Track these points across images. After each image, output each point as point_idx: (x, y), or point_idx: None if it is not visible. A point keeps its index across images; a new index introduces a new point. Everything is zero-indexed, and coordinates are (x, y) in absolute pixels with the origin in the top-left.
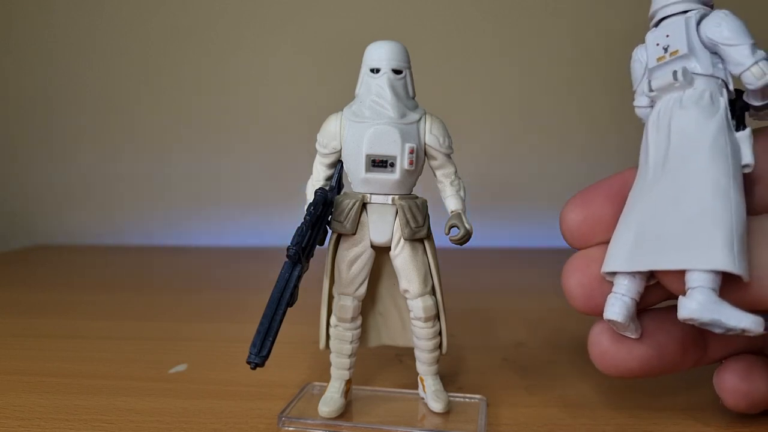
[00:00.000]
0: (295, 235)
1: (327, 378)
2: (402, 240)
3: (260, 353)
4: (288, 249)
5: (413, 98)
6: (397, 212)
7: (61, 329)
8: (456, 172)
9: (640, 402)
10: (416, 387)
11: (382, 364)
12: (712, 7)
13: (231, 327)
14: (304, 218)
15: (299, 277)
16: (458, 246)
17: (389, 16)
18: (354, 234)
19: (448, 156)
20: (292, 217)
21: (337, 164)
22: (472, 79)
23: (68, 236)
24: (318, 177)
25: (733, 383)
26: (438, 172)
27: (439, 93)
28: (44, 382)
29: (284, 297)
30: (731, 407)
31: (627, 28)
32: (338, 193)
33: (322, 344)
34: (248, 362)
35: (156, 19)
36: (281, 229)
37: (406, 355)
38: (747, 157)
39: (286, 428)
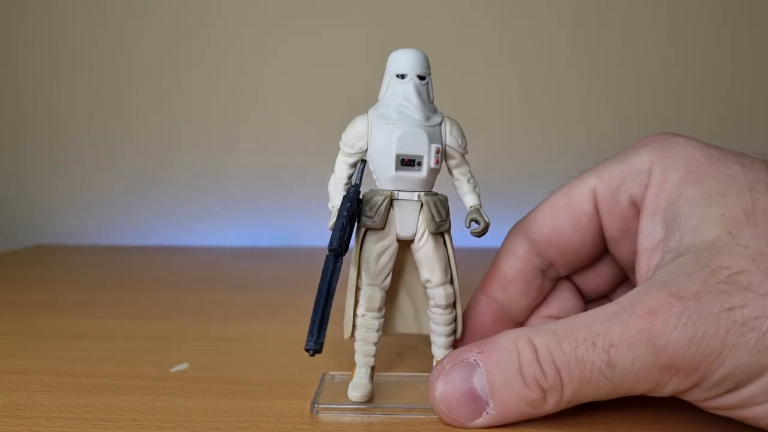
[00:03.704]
0: (335, 230)
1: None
2: (426, 233)
3: (318, 340)
4: (331, 243)
5: (432, 102)
6: (421, 207)
7: (61, 328)
8: (471, 170)
9: (644, 397)
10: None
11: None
12: None
13: (232, 326)
14: (341, 213)
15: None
16: (477, 238)
17: (389, 18)
18: (383, 228)
19: (464, 156)
20: (292, 218)
21: (359, 163)
22: (471, 78)
23: (68, 236)
24: (341, 175)
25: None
26: (455, 171)
27: (438, 92)
28: (45, 381)
29: (332, 288)
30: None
31: (628, 28)
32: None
33: (347, 334)
34: (306, 349)
35: (157, 18)
36: (282, 229)
37: (405, 353)
38: None
39: (321, 415)
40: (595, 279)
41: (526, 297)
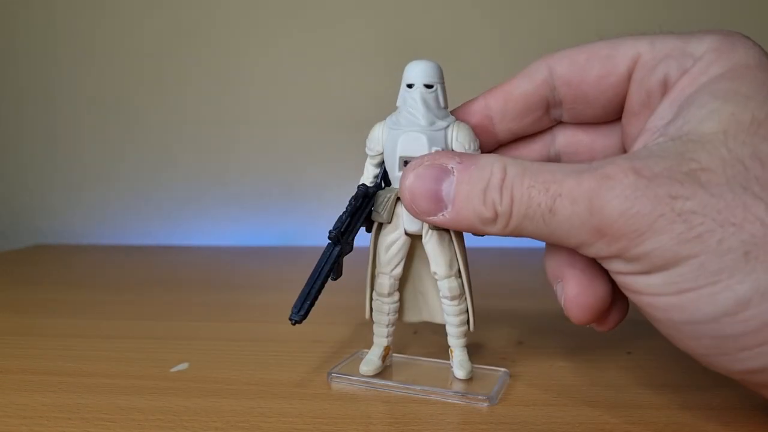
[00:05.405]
0: (336, 220)
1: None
2: (430, 229)
3: (299, 312)
4: (330, 232)
5: (445, 108)
6: None
7: (62, 328)
8: None
9: (641, 399)
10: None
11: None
12: None
13: (232, 326)
14: (346, 207)
15: (340, 255)
16: (478, 236)
17: (389, 19)
18: (390, 222)
19: None
20: (293, 218)
21: (383, 164)
22: (471, 78)
23: (68, 236)
24: (367, 175)
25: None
26: None
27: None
28: (46, 381)
29: (324, 270)
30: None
31: (628, 29)
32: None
33: (367, 315)
34: (290, 319)
35: (159, 17)
36: (282, 229)
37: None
38: None
39: (334, 383)
40: (594, 142)
41: (518, 120)
